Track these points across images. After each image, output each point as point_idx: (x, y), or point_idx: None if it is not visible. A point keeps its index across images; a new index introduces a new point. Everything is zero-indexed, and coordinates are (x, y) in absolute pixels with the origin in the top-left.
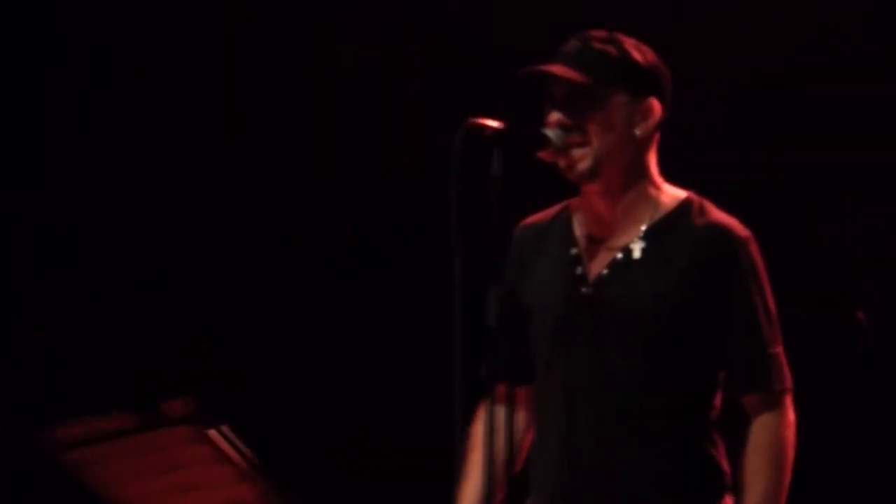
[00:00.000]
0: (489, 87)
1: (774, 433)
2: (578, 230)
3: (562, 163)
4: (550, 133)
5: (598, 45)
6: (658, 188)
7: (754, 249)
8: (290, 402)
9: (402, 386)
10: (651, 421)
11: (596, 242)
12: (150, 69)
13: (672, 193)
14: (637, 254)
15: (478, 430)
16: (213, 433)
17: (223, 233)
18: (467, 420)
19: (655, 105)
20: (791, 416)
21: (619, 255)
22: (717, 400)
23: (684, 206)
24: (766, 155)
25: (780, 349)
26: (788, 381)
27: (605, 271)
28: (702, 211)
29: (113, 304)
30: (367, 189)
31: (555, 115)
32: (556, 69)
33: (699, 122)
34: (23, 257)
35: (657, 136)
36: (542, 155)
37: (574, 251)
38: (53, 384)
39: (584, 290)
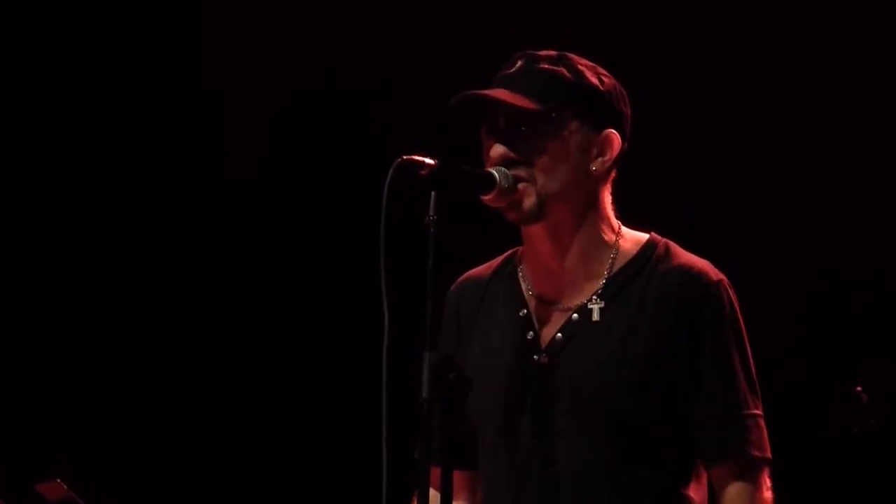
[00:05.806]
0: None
1: None
2: (526, 285)
3: (503, 202)
4: (496, 171)
5: (547, 67)
6: (615, 232)
7: (730, 295)
8: (289, 401)
9: (402, 386)
10: None
11: (548, 301)
12: (151, 69)
13: (632, 237)
14: (596, 316)
15: None
16: None
17: (223, 232)
18: None
19: (614, 138)
20: (768, 492)
21: (576, 316)
22: (697, 494)
23: (647, 250)
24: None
25: (759, 411)
26: (767, 448)
27: (559, 335)
28: (668, 254)
29: (113, 303)
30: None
31: (498, 149)
32: (501, 94)
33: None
34: (23, 257)
35: (614, 173)
36: (488, 199)
37: (523, 312)
38: (53, 384)
39: (535, 357)
